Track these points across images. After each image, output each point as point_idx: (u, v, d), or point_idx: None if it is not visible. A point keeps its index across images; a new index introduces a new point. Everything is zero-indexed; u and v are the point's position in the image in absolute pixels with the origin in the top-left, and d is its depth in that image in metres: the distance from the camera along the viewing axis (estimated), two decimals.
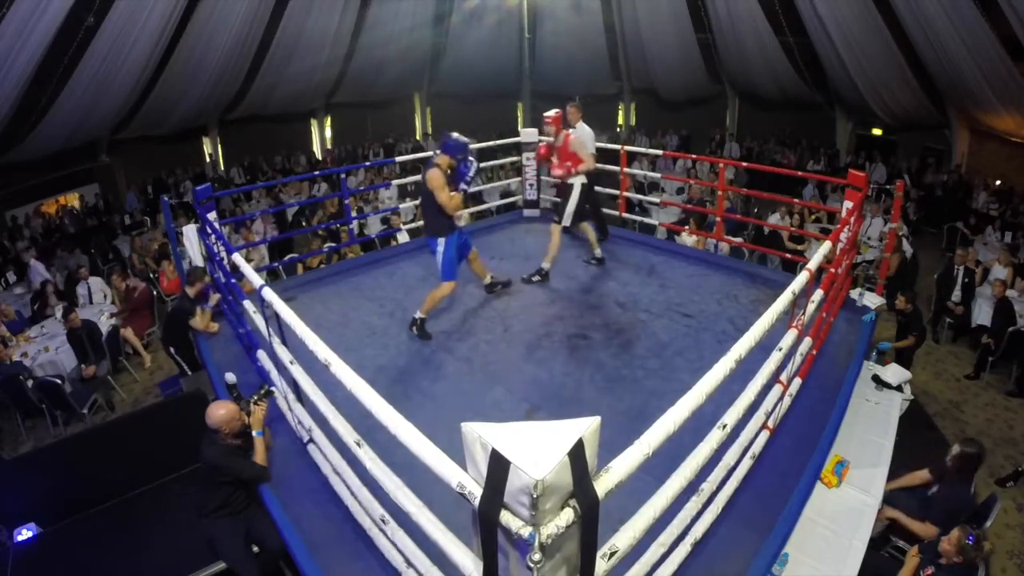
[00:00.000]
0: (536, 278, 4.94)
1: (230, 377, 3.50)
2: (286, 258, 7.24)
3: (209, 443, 2.89)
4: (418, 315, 4.22)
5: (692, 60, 13.06)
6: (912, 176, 10.74)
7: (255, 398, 2.99)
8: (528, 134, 6.42)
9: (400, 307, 4.71)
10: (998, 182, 9.76)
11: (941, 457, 3.42)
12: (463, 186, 3.98)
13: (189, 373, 4.88)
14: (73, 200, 11.60)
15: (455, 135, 3.99)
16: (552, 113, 4.88)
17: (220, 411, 2.88)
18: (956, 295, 6.51)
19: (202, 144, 13.69)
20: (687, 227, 6.91)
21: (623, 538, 1.55)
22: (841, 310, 4.24)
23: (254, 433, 2.94)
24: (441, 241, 4.05)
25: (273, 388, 3.16)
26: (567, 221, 4.78)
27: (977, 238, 8.62)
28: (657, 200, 7.27)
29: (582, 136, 4.91)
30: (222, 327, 4.52)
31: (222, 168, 13.67)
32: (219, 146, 13.78)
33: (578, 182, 4.71)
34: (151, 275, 7.90)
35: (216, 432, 2.88)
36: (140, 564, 3.26)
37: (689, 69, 13.35)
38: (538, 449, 1.22)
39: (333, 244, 6.98)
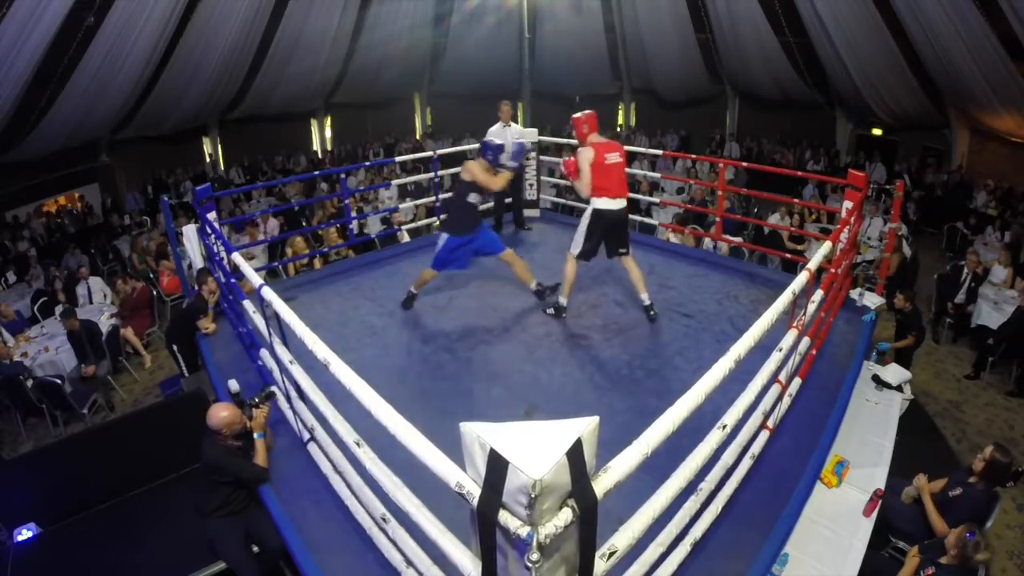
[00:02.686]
0: (550, 311, 4.43)
1: (233, 385, 3.50)
2: (284, 258, 7.24)
3: (210, 444, 2.90)
4: (412, 288, 4.64)
5: (692, 60, 13.07)
6: (912, 176, 10.74)
7: (256, 400, 2.99)
8: (528, 134, 6.41)
9: (400, 307, 4.71)
10: (997, 182, 9.76)
11: (941, 457, 3.42)
12: (505, 161, 4.30)
13: (187, 374, 4.88)
14: (75, 201, 11.61)
15: (488, 138, 4.43)
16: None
17: (222, 413, 2.89)
18: (961, 297, 6.50)
19: (202, 144, 13.70)
20: (687, 228, 6.90)
21: (622, 538, 1.55)
22: (841, 310, 4.24)
23: (255, 436, 2.94)
24: (443, 236, 4.37)
25: (274, 389, 3.16)
26: (574, 249, 4.21)
27: (977, 238, 8.63)
28: (657, 200, 7.27)
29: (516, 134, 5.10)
30: (223, 327, 4.52)
31: (222, 168, 13.68)
32: (219, 146, 13.79)
33: (590, 206, 4.14)
34: (151, 275, 7.90)
35: (217, 433, 2.88)
36: (140, 564, 3.25)
37: (689, 69, 13.36)
38: (536, 449, 1.22)
39: (321, 248, 6.93)
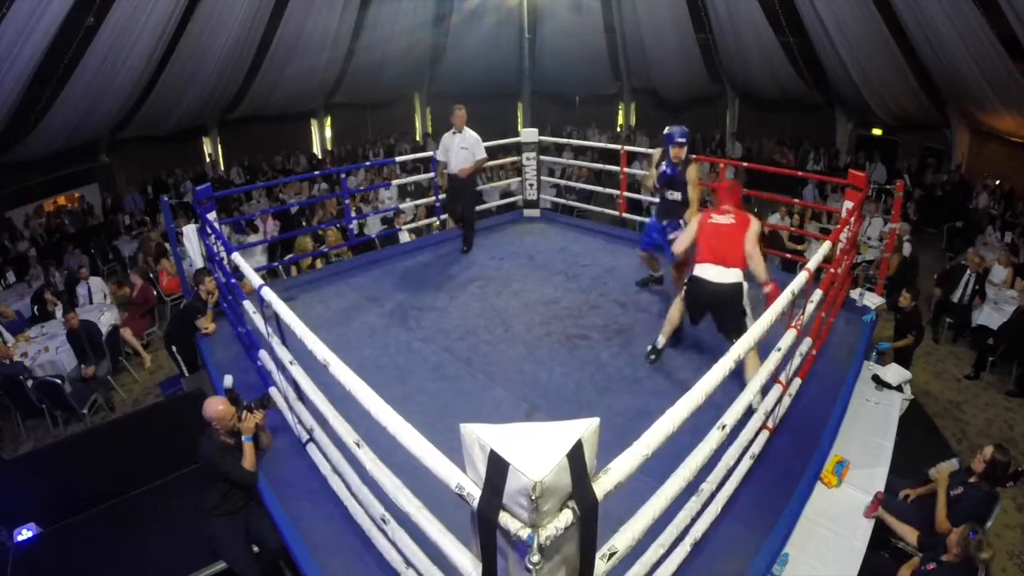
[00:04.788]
0: (649, 356, 3.83)
1: (228, 380, 3.50)
2: (286, 258, 7.24)
3: (206, 437, 2.93)
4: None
5: (692, 60, 13.06)
6: (912, 176, 10.75)
7: (252, 404, 2.99)
8: (528, 134, 6.42)
9: (400, 307, 4.71)
10: (998, 182, 9.76)
11: (941, 457, 3.43)
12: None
13: (187, 374, 4.88)
14: (75, 201, 11.61)
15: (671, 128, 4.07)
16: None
17: (218, 407, 2.92)
18: (965, 298, 6.50)
19: (202, 144, 13.69)
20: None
21: (622, 539, 1.55)
22: (841, 310, 4.24)
23: (243, 438, 2.95)
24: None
25: (273, 399, 3.16)
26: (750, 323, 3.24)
27: (977, 238, 8.63)
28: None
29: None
30: (222, 327, 4.52)
31: (222, 168, 13.67)
32: (219, 146, 13.78)
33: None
34: (150, 275, 7.90)
35: (209, 426, 2.92)
36: (140, 564, 3.25)
37: (689, 69, 13.35)
38: (537, 450, 1.22)
39: (323, 247, 6.91)
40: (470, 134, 5.30)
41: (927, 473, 3.40)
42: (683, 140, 3.93)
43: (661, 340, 3.79)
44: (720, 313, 3.37)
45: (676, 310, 3.65)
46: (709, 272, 3.28)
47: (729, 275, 3.25)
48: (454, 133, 5.32)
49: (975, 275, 6.45)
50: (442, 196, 5.94)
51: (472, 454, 1.33)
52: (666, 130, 4.06)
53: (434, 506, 1.81)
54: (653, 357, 3.80)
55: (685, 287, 3.49)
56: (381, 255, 6.00)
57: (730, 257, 3.26)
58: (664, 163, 4.08)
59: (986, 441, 4.62)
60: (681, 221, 4.04)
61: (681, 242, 3.52)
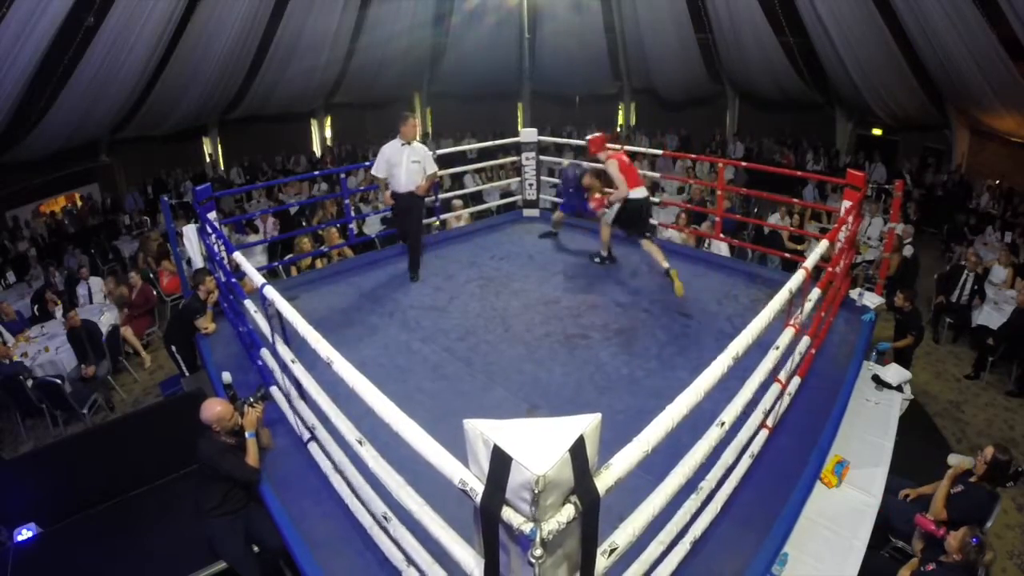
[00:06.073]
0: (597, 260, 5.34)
1: (226, 377, 3.50)
2: (286, 258, 7.24)
3: (205, 439, 2.91)
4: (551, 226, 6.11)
5: (692, 60, 13.08)
6: (912, 176, 10.76)
7: (251, 399, 2.99)
8: (528, 134, 6.42)
9: (400, 307, 4.71)
10: (998, 182, 9.77)
11: (941, 457, 3.43)
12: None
13: (187, 373, 4.88)
14: (76, 201, 11.62)
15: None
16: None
17: (216, 408, 2.90)
18: (963, 298, 6.51)
19: (202, 144, 13.70)
20: (687, 227, 6.91)
21: (623, 535, 1.55)
22: (841, 310, 4.24)
23: (246, 434, 2.95)
24: None
25: (271, 390, 3.16)
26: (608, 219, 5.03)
27: (977, 238, 8.64)
28: (658, 200, 7.28)
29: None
30: (222, 327, 4.52)
31: (222, 168, 13.68)
32: (219, 146, 13.79)
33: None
34: (151, 275, 7.90)
35: (209, 428, 2.90)
36: (140, 564, 3.25)
37: (689, 69, 13.37)
38: (540, 445, 1.23)
39: (322, 247, 6.90)
40: (420, 147, 4.87)
41: (947, 465, 3.41)
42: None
43: (604, 252, 5.28)
44: (645, 218, 5.01)
45: (607, 230, 5.13)
46: (640, 192, 4.87)
47: (646, 191, 4.94)
48: (402, 145, 4.75)
49: (973, 275, 6.46)
50: (443, 195, 5.89)
51: (475, 449, 1.33)
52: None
53: (436, 503, 1.82)
54: (599, 261, 5.29)
55: (627, 206, 4.84)
56: (381, 255, 6.00)
57: (641, 181, 4.92)
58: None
59: (986, 441, 4.63)
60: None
61: (619, 182, 4.80)
